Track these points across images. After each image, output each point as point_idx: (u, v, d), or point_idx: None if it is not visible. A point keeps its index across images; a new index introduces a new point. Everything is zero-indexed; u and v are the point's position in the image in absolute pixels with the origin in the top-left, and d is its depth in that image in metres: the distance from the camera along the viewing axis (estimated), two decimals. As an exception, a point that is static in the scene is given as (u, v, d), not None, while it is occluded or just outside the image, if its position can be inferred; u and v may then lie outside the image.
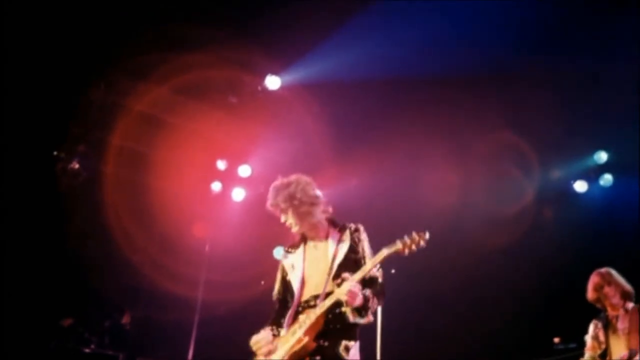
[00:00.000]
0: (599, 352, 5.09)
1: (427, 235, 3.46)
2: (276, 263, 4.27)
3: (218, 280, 7.97)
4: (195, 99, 7.64)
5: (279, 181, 3.85)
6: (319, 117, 7.72)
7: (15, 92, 6.44)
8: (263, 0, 6.65)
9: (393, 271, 4.83)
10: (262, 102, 7.79)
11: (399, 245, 3.47)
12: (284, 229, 3.99)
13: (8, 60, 6.18)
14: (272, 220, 4.04)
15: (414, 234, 3.47)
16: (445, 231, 7.75)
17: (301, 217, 3.76)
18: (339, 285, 3.51)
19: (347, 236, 3.72)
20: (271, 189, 3.83)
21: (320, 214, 3.82)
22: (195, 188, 8.38)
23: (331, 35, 6.79)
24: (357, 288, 3.43)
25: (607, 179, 8.08)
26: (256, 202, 8.62)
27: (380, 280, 3.62)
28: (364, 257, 3.65)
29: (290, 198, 3.74)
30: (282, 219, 3.81)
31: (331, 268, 3.61)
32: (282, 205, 3.76)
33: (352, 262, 3.63)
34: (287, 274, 3.82)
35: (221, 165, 8.51)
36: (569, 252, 7.53)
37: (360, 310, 3.48)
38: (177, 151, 7.90)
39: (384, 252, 3.49)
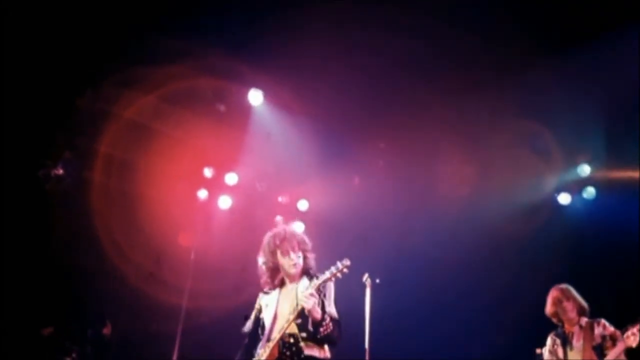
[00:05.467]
0: None
1: (348, 262, 3.97)
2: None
3: (203, 289, 7.93)
4: (182, 107, 7.64)
5: (290, 227, 4.44)
6: (305, 125, 7.76)
7: (1, 98, 6.40)
8: (250, 11, 6.68)
9: (378, 281, 4.99)
10: (249, 111, 7.82)
11: (327, 274, 3.98)
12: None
13: (-5, 65, 6.17)
14: (258, 228, 4.23)
15: (339, 264, 3.97)
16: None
17: (305, 259, 4.25)
18: (298, 325, 3.98)
19: (314, 282, 4.06)
20: (288, 229, 4.36)
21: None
22: (182, 195, 8.35)
23: (320, 41, 6.81)
24: (314, 295, 3.92)
25: (590, 191, 8.16)
26: (242, 211, 8.63)
27: (334, 313, 4.11)
28: (324, 295, 4.10)
29: (305, 243, 4.28)
30: (292, 255, 4.21)
31: (294, 310, 4.00)
32: (303, 246, 4.26)
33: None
34: (261, 312, 4.26)
35: (208, 173, 8.49)
36: (556, 262, 7.59)
37: (317, 327, 3.91)
38: (163, 159, 7.88)
39: (315, 282, 3.99)
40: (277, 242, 4.22)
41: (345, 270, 3.96)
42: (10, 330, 6.68)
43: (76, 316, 7.49)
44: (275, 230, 4.37)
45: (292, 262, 4.19)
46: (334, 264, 3.99)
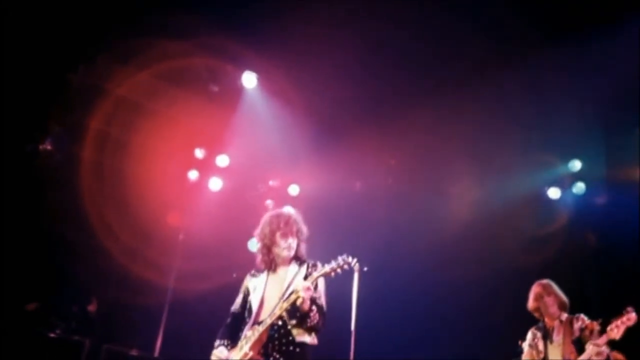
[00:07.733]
0: None
1: (353, 262, 3.95)
2: (250, 255, 4.45)
3: (190, 269, 7.93)
4: (175, 85, 7.58)
5: (293, 212, 4.41)
6: (298, 110, 7.73)
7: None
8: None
9: (365, 269, 5.03)
10: (242, 93, 7.78)
11: (326, 268, 4.00)
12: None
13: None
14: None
15: (340, 259, 3.97)
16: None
17: (299, 246, 4.27)
18: (287, 312, 3.97)
19: (304, 269, 4.16)
20: (294, 214, 4.37)
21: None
22: (172, 175, 8.31)
23: (317, 29, 6.76)
24: (310, 289, 3.93)
25: (579, 187, 8.19)
26: (233, 193, 8.61)
27: (322, 304, 4.12)
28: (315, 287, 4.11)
29: (302, 231, 4.31)
30: (290, 240, 4.24)
31: (284, 294, 4.06)
32: (299, 234, 4.28)
33: None
34: (249, 294, 4.26)
35: (199, 153, 8.46)
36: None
37: (304, 317, 3.95)
38: (155, 137, 7.83)
39: (314, 275, 4.02)
40: (281, 224, 4.24)
41: (346, 267, 3.96)
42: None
43: (62, 292, 7.47)
44: (279, 211, 4.41)
45: (287, 245, 4.21)
46: (335, 258, 3.94)
